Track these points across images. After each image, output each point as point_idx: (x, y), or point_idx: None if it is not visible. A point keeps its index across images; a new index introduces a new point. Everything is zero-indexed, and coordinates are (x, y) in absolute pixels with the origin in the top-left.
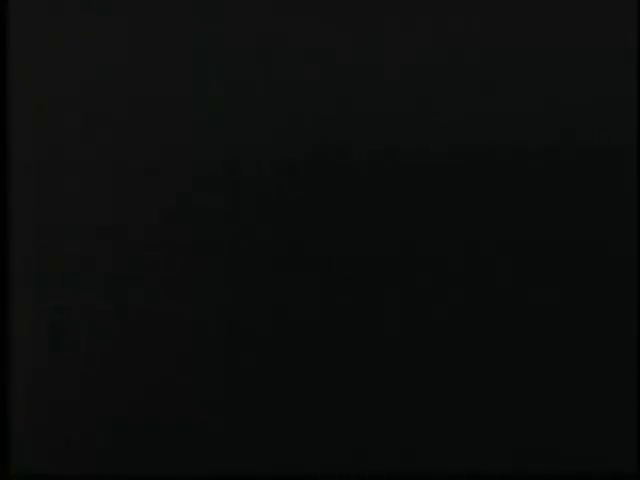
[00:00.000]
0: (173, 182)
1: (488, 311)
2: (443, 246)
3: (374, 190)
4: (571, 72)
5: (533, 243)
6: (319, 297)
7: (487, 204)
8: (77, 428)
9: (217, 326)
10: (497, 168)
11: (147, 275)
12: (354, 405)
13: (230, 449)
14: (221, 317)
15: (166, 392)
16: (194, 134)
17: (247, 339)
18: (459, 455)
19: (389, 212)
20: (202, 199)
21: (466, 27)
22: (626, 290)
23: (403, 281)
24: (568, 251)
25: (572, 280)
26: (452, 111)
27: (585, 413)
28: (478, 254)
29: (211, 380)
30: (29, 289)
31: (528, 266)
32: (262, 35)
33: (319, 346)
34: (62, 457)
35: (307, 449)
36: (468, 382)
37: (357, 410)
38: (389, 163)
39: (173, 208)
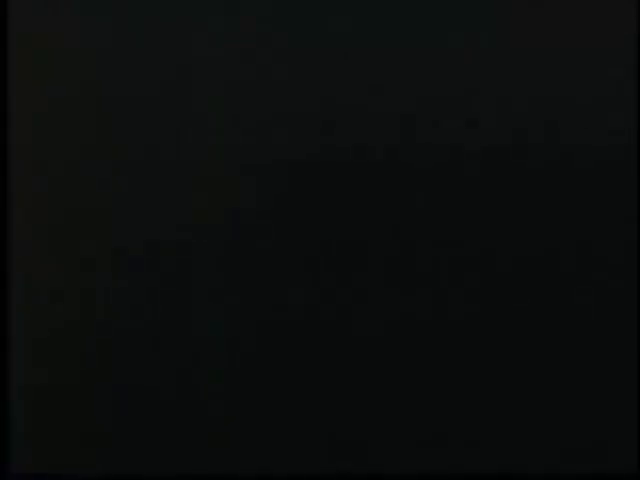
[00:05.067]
0: (174, 182)
1: (488, 311)
2: (442, 245)
3: (373, 190)
4: (571, 72)
5: (533, 243)
6: (318, 298)
7: (486, 204)
8: (77, 428)
9: (219, 326)
10: (496, 168)
11: (147, 274)
12: (356, 406)
13: (231, 449)
14: (222, 317)
15: (167, 392)
16: (195, 134)
17: (249, 340)
18: (459, 455)
19: (387, 212)
20: (203, 199)
21: (467, 27)
22: (626, 290)
23: (403, 281)
24: (568, 251)
25: (572, 280)
26: (452, 111)
27: (585, 413)
28: (477, 253)
29: (212, 380)
30: (29, 290)
31: (528, 266)
32: (262, 35)
33: (321, 346)
34: (62, 457)
35: (308, 449)
36: (468, 382)
37: (359, 411)
38: (388, 164)
39: (174, 208)
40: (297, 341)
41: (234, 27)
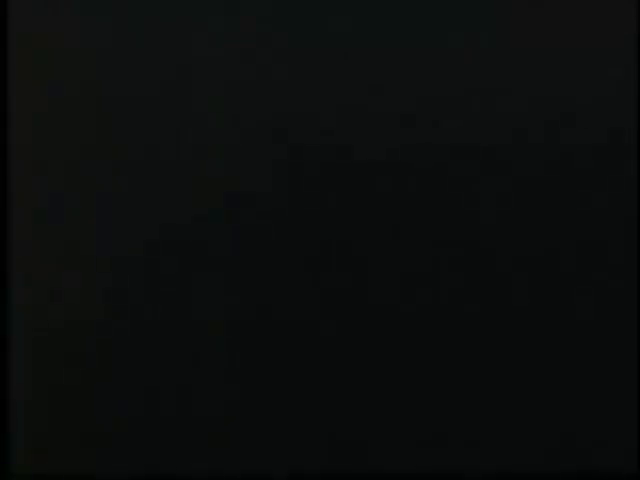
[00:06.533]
0: (174, 182)
1: (487, 311)
2: (442, 245)
3: (373, 190)
4: (571, 72)
5: (533, 243)
6: (318, 298)
7: (486, 204)
8: (77, 428)
9: (218, 326)
10: (496, 168)
11: (147, 274)
12: (356, 405)
13: (231, 449)
14: (222, 317)
15: (167, 393)
16: (195, 134)
17: (249, 339)
18: (459, 455)
19: (387, 212)
20: (203, 199)
21: (467, 27)
22: (626, 290)
23: (403, 281)
24: (568, 251)
25: (572, 280)
26: (452, 111)
27: (585, 413)
28: (477, 253)
29: (212, 380)
30: (29, 290)
31: (528, 266)
32: (262, 35)
33: (321, 346)
34: (62, 457)
35: (308, 449)
36: (468, 382)
37: (359, 411)
38: (388, 164)
39: (174, 208)
40: (297, 341)
41: (234, 27)
